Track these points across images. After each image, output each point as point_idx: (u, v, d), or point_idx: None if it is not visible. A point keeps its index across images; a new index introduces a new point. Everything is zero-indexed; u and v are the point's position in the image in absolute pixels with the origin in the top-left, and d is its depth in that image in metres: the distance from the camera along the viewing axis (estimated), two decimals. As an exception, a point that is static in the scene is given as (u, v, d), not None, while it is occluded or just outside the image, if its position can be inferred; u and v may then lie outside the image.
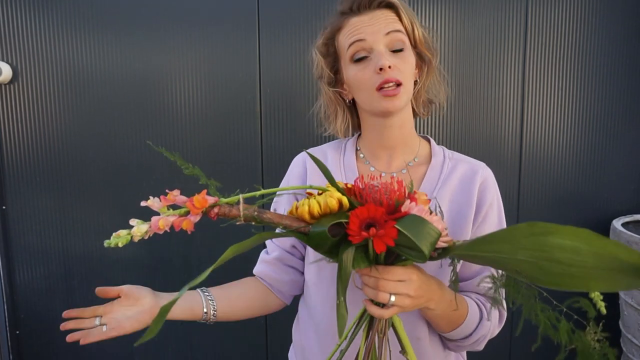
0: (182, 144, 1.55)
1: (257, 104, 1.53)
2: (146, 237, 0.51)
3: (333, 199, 0.56)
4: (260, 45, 1.51)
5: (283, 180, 0.90)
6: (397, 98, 0.71)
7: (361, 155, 0.84)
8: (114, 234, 0.51)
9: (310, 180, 0.83)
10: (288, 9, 1.49)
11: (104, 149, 1.54)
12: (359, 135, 0.87)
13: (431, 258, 0.56)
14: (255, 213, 0.56)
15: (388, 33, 0.71)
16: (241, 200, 0.55)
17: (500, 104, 1.56)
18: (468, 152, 1.64)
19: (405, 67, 0.72)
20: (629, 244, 1.41)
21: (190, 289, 0.52)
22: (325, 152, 0.87)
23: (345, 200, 0.57)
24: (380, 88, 0.71)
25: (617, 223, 1.53)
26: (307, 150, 0.90)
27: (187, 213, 0.53)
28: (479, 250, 0.53)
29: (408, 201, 0.55)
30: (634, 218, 1.61)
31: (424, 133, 1.57)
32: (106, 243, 0.51)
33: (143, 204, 0.52)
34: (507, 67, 1.54)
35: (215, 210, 0.54)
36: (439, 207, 0.63)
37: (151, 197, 0.53)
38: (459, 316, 0.71)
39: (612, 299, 1.62)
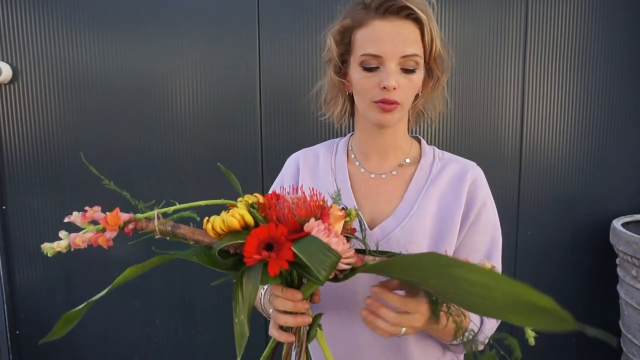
0: (182, 144, 1.55)
1: (257, 104, 1.53)
2: (72, 249, 0.54)
3: (234, 218, 0.54)
4: (260, 45, 1.51)
5: (277, 179, 0.92)
6: (391, 114, 0.73)
7: (352, 156, 0.85)
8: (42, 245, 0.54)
9: (302, 180, 0.85)
10: (288, 9, 1.49)
11: (103, 149, 1.54)
12: (352, 134, 0.88)
13: (336, 279, 0.55)
14: (169, 228, 0.55)
15: (404, 56, 0.70)
16: (156, 216, 0.55)
17: (500, 104, 1.56)
18: (468, 152, 1.65)
19: (409, 89, 0.72)
20: (629, 244, 1.41)
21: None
22: (317, 152, 0.89)
23: (249, 217, 0.54)
24: (377, 102, 0.72)
25: (617, 223, 1.53)
26: (304, 150, 0.91)
27: (104, 229, 0.54)
28: (388, 272, 0.53)
29: (312, 219, 0.53)
30: (634, 218, 1.60)
31: (423, 133, 1.57)
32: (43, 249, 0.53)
33: (66, 219, 0.54)
34: (507, 67, 1.54)
35: (131, 226, 0.55)
36: (364, 222, 0.61)
37: (75, 213, 0.54)
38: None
39: (612, 299, 1.62)
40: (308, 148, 0.92)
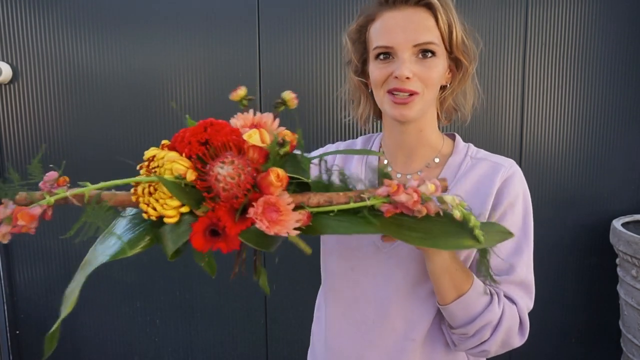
0: (182, 144, 1.55)
1: (257, 104, 1.53)
2: None
3: (172, 217, 0.51)
4: (260, 45, 1.51)
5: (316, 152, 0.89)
6: (408, 108, 0.68)
7: (382, 152, 0.82)
8: None
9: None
10: (288, 9, 1.49)
11: (103, 148, 1.54)
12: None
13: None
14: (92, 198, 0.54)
15: (417, 45, 0.67)
16: (70, 197, 0.54)
17: (500, 104, 1.56)
18: (468, 152, 1.64)
19: (429, 75, 0.68)
20: (629, 244, 1.41)
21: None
22: (356, 145, 0.87)
23: (185, 209, 0.52)
24: (391, 92, 0.68)
25: (617, 223, 1.53)
26: (341, 143, 0.89)
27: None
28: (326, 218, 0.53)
29: (253, 209, 0.48)
30: (634, 218, 1.60)
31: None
32: None
33: None
34: (507, 67, 1.54)
35: (49, 212, 0.52)
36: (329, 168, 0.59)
37: None
38: (464, 279, 0.66)
39: (612, 299, 1.62)
40: (349, 140, 0.89)
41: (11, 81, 1.50)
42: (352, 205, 0.53)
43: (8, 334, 1.63)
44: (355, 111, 0.83)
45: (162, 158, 0.52)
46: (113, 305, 1.63)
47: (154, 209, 0.51)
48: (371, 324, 0.76)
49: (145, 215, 0.52)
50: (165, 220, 0.51)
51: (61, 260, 1.59)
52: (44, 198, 0.52)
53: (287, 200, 0.50)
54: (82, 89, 1.52)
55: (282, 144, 0.53)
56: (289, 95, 0.59)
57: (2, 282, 1.60)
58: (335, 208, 0.53)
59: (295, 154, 0.56)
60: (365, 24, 0.74)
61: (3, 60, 1.48)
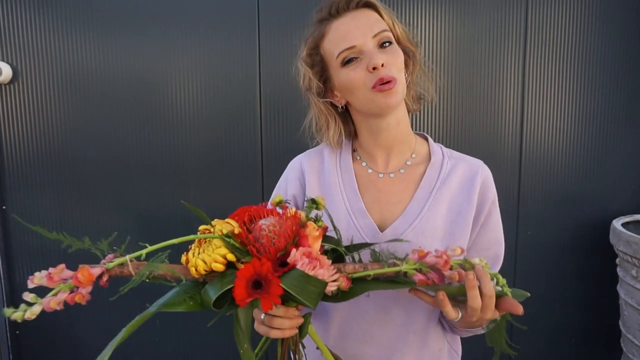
0: (182, 144, 1.55)
1: (257, 104, 1.53)
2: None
3: (219, 263, 0.54)
4: (260, 45, 1.51)
5: (280, 183, 0.89)
6: (395, 92, 0.71)
7: (358, 157, 0.84)
8: (8, 311, 0.51)
9: (309, 183, 0.83)
10: (288, 9, 1.49)
11: (104, 149, 1.54)
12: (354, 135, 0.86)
13: (332, 298, 0.57)
14: (146, 271, 0.56)
15: (375, 35, 0.71)
16: (128, 262, 0.56)
17: (500, 103, 1.56)
18: (468, 151, 1.64)
19: (396, 62, 0.72)
20: (629, 244, 1.41)
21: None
22: (322, 152, 0.87)
23: (231, 256, 0.55)
24: (375, 86, 0.71)
25: (617, 223, 1.53)
26: (308, 151, 0.90)
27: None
28: (370, 287, 0.58)
29: (294, 251, 0.53)
30: (634, 218, 1.60)
31: (424, 131, 1.56)
32: (6, 314, 0.50)
33: (30, 285, 0.52)
34: (507, 67, 1.54)
35: (105, 277, 0.55)
36: (337, 230, 0.64)
37: (37, 274, 0.52)
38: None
39: (612, 299, 1.62)
40: (312, 149, 0.90)
41: (11, 81, 1.50)
42: (386, 270, 0.57)
43: (8, 334, 1.63)
44: (326, 135, 0.84)
45: (214, 225, 0.57)
46: (113, 305, 1.63)
47: (204, 261, 0.55)
48: (371, 320, 0.78)
49: (193, 271, 0.55)
50: (214, 267, 0.54)
51: (61, 261, 1.59)
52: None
53: (327, 262, 0.54)
54: (82, 89, 1.52)
55: (317, 219, 0.59)
56: (319, 198, 0.65)
57: (2, 282, 1.60)
58: (372, 272, 0.57)
59: (328, 235, 0.61)
60: (316, 45, 0.77)
61: (3, 60, 1.48)
